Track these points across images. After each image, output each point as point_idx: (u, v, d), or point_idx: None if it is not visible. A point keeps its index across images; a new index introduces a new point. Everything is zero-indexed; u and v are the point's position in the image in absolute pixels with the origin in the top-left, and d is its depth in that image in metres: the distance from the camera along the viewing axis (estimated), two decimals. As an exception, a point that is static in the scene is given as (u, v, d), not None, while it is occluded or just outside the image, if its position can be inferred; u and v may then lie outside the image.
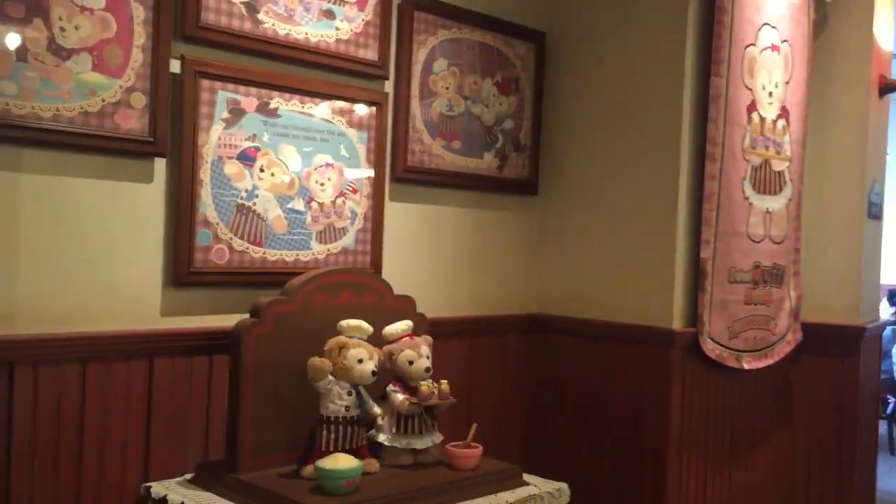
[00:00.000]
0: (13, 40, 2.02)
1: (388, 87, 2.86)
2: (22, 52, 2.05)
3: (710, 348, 3.05)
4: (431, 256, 3.04)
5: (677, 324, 3.00)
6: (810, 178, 3.57)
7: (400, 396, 2.32)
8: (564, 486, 2.42)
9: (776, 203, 3.31)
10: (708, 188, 3.01)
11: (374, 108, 2.78)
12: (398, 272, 2.85)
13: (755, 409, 3.43)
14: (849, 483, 3.54)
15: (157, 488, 2.23)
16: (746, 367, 3.19)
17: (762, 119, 3.19)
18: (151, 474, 2.31)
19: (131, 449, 2.27)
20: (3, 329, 2.06)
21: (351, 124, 2.72)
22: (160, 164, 2.33)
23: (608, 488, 3.08)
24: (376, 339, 2.35)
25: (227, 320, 2.45)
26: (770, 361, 3.34)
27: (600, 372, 3.14)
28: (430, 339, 2.45)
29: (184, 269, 2.36)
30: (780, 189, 3.33)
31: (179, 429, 2.37)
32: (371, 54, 2.76)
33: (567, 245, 3.31)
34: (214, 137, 2.40)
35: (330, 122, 2.66)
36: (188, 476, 2.33)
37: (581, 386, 3.19)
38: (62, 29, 2.10)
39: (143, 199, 2.31)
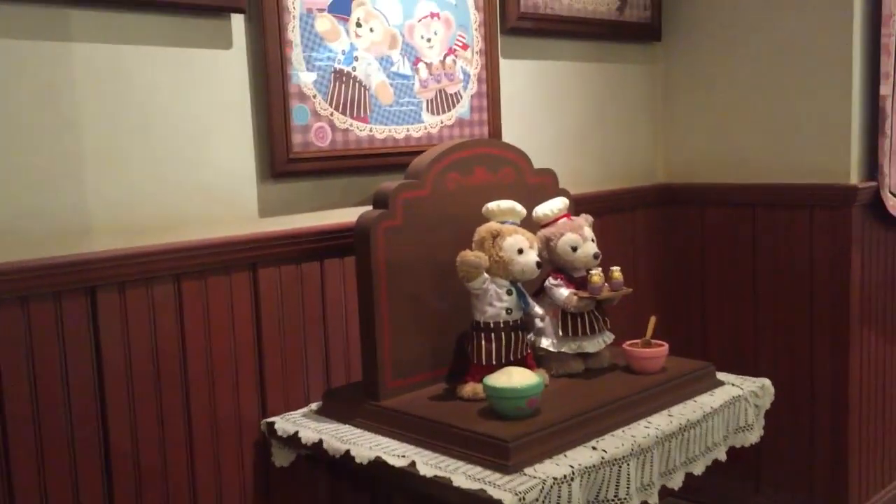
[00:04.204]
0: None
1: (493, -88, 2.30)
2: None
3: (893, 204, 2.56)
4: (549, 123, 2.55)
5: (855, 178, 2.50)
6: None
7: (565, 291, 1.87)
8: (767, 382, 1.98)
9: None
10: (886, 7, 2.45)
11: (480, -60, 2.23)
12: (517, 144, 2.36)
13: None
14: None
15: (283, 424, 1.83)
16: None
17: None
18: (271, 407, 1.91)
19: (244, 378, 1.87)
20: (78, 247, 1.62)
21: (455, -39, 2.18)
22: (238, 23, 1.83)
23: (779, 374, 2.65)
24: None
25: (335, 216, 2.01)
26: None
27: (758, 244, 2.67)
28: (590, 217, 1.98)
29: (281, 157, 1.89)
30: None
31: (295, 350, 1.95)
32: None
33: (702, 98, 2.78)
34: (300, -16, 1.88)
35: (432, -41, 2.13)
36: (314, 406, 1.93)
37: (732, 262, 2.73)
38: None
39: (224, 71, 1.82)
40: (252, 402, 1.88)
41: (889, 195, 2.54)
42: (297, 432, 1.79)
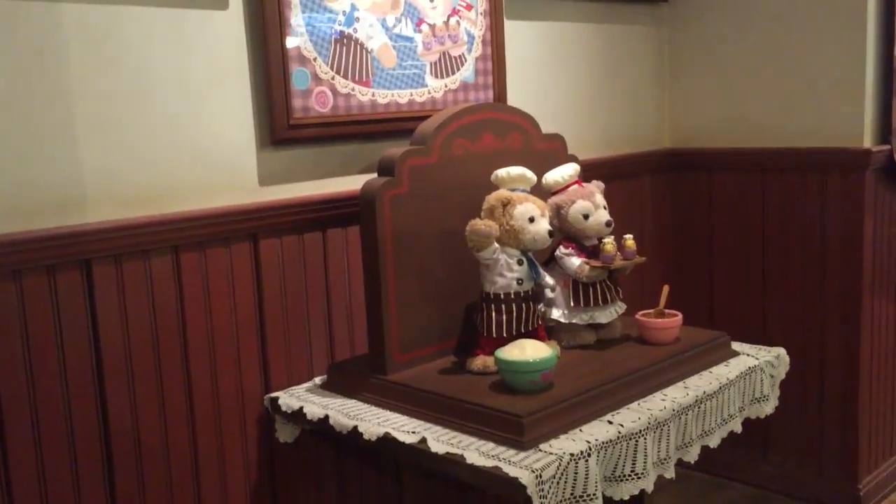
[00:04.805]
0: None
1: None
2: None
3: (906, 168, 2.50)
4: (552, 87, 2.47)
5: (868, 141, 2.44)
6: None
7: (577, 260, 1.82)
8: (782, 351, 1.94)
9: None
10: (903, -34, 2.38)
11: None
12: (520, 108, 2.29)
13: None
14: None
15: (287, 399, 1.78)
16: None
17: None
18: (274, 382, 1.85)
19: (246, 352, 1.81)
20: (71, 218, 1.55)
21: (459, -83, 2.09)
22: (235, -18, 1.75)
23: (788, 342, 2.61)
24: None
25: (338, 184, 1.94)
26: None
27: (768, 209, 2.61)
28: (601, 184, 1.92)
29: (281, 123, 1.81)
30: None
31: (298, 323, 1.89)
32: None
33: (710, 59, 2.71)
34: (298, -59, 1.79)
35: (434, -86, 2.04)
36: (318, 380, 1.88)
37: (741, 228, 2.68)
38: None
39: (220, 32, 1.73)
40: (254, 377, 1.83)
41: (902, 159, 2.48)
42: (301, 408, 1.74)
